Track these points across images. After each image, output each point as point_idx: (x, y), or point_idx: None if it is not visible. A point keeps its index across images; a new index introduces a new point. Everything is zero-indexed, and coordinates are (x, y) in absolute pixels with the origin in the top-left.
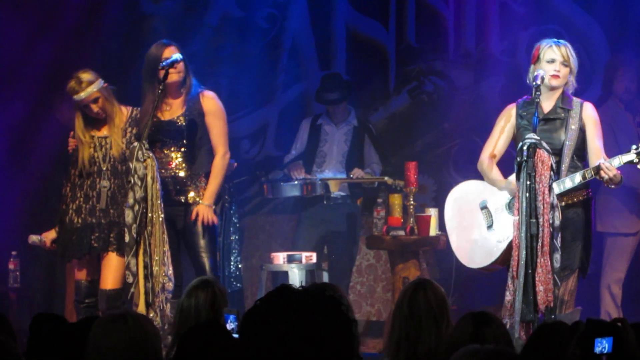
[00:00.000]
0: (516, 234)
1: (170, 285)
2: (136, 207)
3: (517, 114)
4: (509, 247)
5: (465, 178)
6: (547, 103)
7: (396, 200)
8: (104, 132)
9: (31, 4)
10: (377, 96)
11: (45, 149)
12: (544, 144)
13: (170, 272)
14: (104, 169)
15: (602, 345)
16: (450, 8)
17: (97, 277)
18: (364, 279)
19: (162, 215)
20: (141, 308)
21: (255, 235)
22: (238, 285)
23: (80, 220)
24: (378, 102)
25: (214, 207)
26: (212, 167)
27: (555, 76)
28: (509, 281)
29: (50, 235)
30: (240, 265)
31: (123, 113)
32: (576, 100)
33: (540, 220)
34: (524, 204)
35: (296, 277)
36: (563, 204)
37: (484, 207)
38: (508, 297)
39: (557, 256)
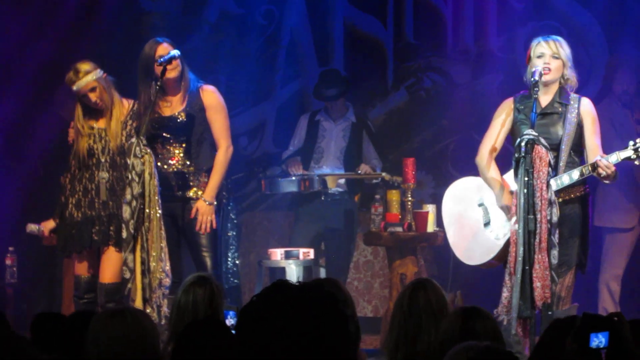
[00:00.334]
0: (514, 230)
1: (167, 281)
2: (134, 203)
3: (515, 108)
4: (507, 244)
5: (464, 174)
6: (545, 98)
7: (394, 196)
8: (103, 124)
9: (30, 0)
10: (375, 92)
11: (42, 144)
12: (542, 140)
13: (168, 267)
14: (103, 160)
15: (599, 340)
16: (448, 4)
17: (97, 272)
18: (361, 275)
19: (160, 211)
20: (138, 304)
21: (252, 231)
22: (235, 281)
23: (80, 214)
24: (376, 98)
25: (214, 204)
26: (215, 161)
27: (546, 70)
28: (506, 278)
29: (49, 225)
30: (237, 262)
31: (124, 105)
32: (574, 96)
33: (538, 216)
34: (522, 200)
35: (293, 273)
36: (560, 200)
37: (481, 204)
38: (505, 293)
39: (555, 252)
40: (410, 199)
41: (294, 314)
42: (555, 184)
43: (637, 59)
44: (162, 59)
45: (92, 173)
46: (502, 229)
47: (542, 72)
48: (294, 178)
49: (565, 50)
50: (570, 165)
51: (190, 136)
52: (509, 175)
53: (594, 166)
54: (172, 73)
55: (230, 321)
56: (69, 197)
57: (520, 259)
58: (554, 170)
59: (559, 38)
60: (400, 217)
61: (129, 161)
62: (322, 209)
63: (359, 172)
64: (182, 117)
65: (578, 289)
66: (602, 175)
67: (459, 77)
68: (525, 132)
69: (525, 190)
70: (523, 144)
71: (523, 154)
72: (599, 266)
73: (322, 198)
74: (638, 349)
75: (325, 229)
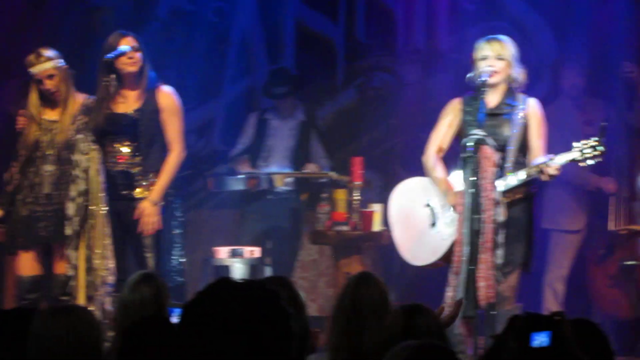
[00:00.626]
0: (459, 229)
1: (111, 279)
2: (78, 200)
3: (463, 109)
4: (453, 244)
5: (412, 174)
6: (492, 98)
7: (341, 195)
8: (54, 115)
9: None
10: (324, 91)
11: None
12: (489, 140)
13: (112, 265)
14: (48, 153)
15: (540, 339)
16: (399, 4)
17: (40, 272)
18: (307, 274)
19: (105, 209)
20: (81, 301)
21: (198, 229)
22: (180, 279)
23: (26, 211)
24: (325, 97)
25: (160, 204)
26: (165, 163)
27: (492, 72)
28: (451, 277)
29: None
30: (182, 260)
31: (77, 101)
32: (521, 96)
33: (484, 216)
34: (468, 200)
35: (238, 272)
36: (506, 200)
37: (428, 205)
38: (449, 292)
39: (500, 252)
40: (357, 198)
41: (236, 310)
42: (501, 185)
43: (585, 60)
44: (109, 54)
45: (37, 167)
46: (448, 229)
47: (490, 75)
48: (241, 176)
49: (509, 50)
50: (517, 166)
51: (141, 136)
52: (456, 175)
53: (540, 168)
54: (129, 68)
55: (175, 319)
56: (16, 192)
57: (465, 258)
58: (501, 170)
59: (503, 38)
60: (346, 216)
61: (74, 157)
62: (269, 207)
63: (305, 171)
64: (135, 116)
65: (522, 289)
66: (545, 178)
67: (408, 77)
68: (472, 132)
69: (472, 190)
70: (470, 143)
71: (470, 154)
72: (544, 267)
73: (269, 197)
74: (580, 348)
75: (271, 228)
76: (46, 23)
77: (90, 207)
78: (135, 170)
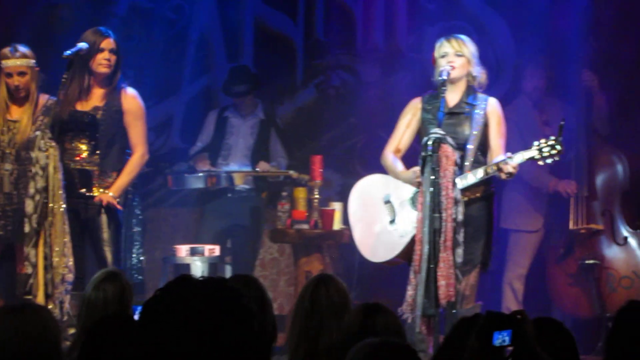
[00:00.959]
0: (419, 228)
1: (70, 277)
2: (37, 197)
3: (423, 107)
4: (412, 241)
5: (371, 172)
6: (452, 97)
7: (301, 194)
8: (16, 115)
9: None
10: (284, 89)
11: None
12: (449, 139)
13: (71, 263)
14: (7, 152)
15: (502, 338)
16: (358, 3)
17: None
18: (267, 273)
19: (64, 206)
20: (40, 299)
21: (158, 227)
22: (139, 277)
23: None
24: (285, 95)
25: (117, 199)
26: (128, 163)
27: (451, 67)
28: (411, 275)
29: None
30: (142, 258)
31: (39, 102)
32: (481, 96)
33: (444, 215)
34: (428, 199)
35: (199, 270)
36: (466, 199)
37: (387, 202)
38: (410, 291)
39: (460, 251)
40: (317, 196)
41: (197, 307)
42: (460, 183)
43: (543, 60)
44: (67, 52)
45: None
46: (406, 227)
47: (449, 71)
48: (200, 174)
49: (469, 48)
50: (476, 165)
51: (101, 136)
52: (415, 168)
53: (498, 166)
54: (102, 68)
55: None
56: None
57: (425, 257)
58: (460, 169)
59: (462, 36)
60: (306, 214)
61: (32, 154)
62: (229, 205)
63: (257, 169)
64: (97, 115)
65: (482, 287)
66: (504, 176)
67: (368, 76)
68: (432, 131)
69: (432, 189)
70: (430, 142)
71: (430, 153)
72: (504, 266)
73: (229, 195)
74: (544, 347)
75: (231, 226)
76: (2, 19)
77: (49, 205)
78: (94, 168)
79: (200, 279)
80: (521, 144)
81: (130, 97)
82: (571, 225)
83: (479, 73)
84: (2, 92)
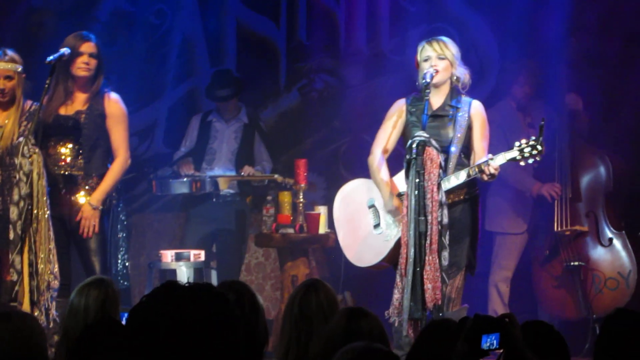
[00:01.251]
0: (404, 232)
1: (55, 284)
2: (21, 204)
3: (407, 109)
4: (396, 245)
5: (355, 176)
6: (436, 99)
7: (286, 198)
8: (0, 120)
9: None
10: (267, 93)
11: None
12: (433, 142)
13: (56, 269)
14: None
15: (490, 341)
16: (341, 6)
17: None
18: (252, 277)
19: (48, 212)
20: (26, 306)
21: (143, 233)
22: (125, 283)
23: None
24: (269, 99)
25: (100, 208)
26: (110, 168)
27: (435, 72)
28: (398, 279)
29: None
30: (127, 264)
31: (24, 108)
32: (465, 98)
33: (429, 218)
34: (413, 202)
35: (184, 275)
36: (450, 201)
37: (371, 206)
38: (396, 295)
39: (445, 254)
40: (301, 200)
41: (183, 314)
42: (443, 186)
43: (526, 62)
44: (50, 57)
45: None
46: (391, 231)
47: (433, 74)
48: (185, 179)
49: (451, 50)
50: (459, 168)
51: (85, 140)
52: (400, 177)
53: (480, 167)
54: (82, 72)
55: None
56: None
57: (411, 260)
58: (444, 172)
59: (444, 38)
60: (291, 218)
61: (16, 161)
62: (214, 210)
63: (242, 174)
64: (80, 119)
65: (468, 290)
66: (486, 177)
67: (351, 79)
68: (416, 134)
69: (416, 192)
70: (414, 145)
71: (414, 156)
72: (489, 268)
73: (214, 199)
74: (532, 350)
75: (216, 231)
76: None
77: (33, 211)
78: (78, 173)
79: (187, 285)
80: (506, 146)
81: (113, 102)
82: (556, 227)
83: (462, 74)
84: None
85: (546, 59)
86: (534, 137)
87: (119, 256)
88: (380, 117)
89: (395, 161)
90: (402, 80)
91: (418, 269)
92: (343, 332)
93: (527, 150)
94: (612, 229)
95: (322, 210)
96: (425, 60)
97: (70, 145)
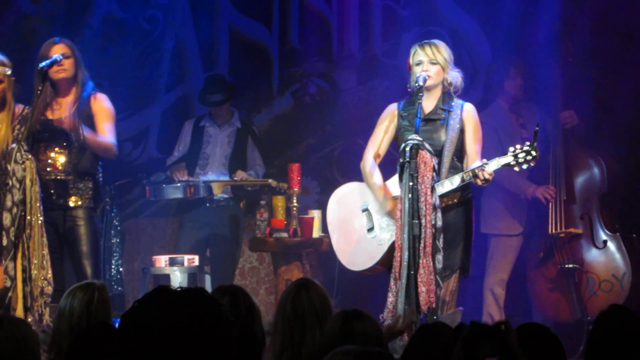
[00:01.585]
0: (398, 235)
1: (49, 289)
2: (14, 210)
3: (399, 114)
4: (390, 249)
5: (349, 179)
6: (428, 103)
7: (279, 202)
8: None
9: None
10: (260, 98)
11: None
12: (426, 145)
13: (50, 275)
14: None
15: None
16: (333, 10)
17: None
18: (246, 282)
19: (42, 218)
20: (19, 312)
21: (137, 238)
22: (119, 288)
23: None
24: (261, 103)
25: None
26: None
27: (427, 76)
28: (392, 282)
29: None
30: (121, 269)
31: (15, 112)
32: (457, 102)
33: (423, 221)
34: (407, 205)
35: (178, 280)
36: (443, 205)
37: (365, 210)
38: (390, 298)
39: (439, 257)
40: (295, 204)
41: (174, 318)
42: (437, 190)
43: (518, 64)
44: (42, 63)
45: None
46: (385, 234)
47: (425, 77)
48: (178, 184)
49: (443, 54)
50: (452, 171)
51: (73, 143)
52: (393, 181)
53: (474, 172)
54: (60, 74)
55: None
56: None
57: (405, 263)
58: (437, 175)
59: (437, 42)
60: (285, 222)
61: (9, 167)
62: (207, 215)
63: (235, 178)
64: (68, 123)
65: (463, 293)
66: (480, 182)
67: (344, 83)
68: (409, 137)
69: (410, 195)
70: (408, 149)
71: (408, 159)
72: (484, 271)
73: (207, 204)
74: (528, 353)
75: (210, 235)
76: None
77: (26, 217)
78: (69, 178)
79: (179, 289)
80: (499, 148)
81: (99, 100)
82: (550, 230)
83: (455, 78)
84: None
85: (538, 60)
86: (528, 143)
87: (113, 261)
88: (373, 120)
89: (388, 165)
90: (395, 83)
91: (412, 272)
92: (339, 334)
93: (521, 155)
94: (606, 231)
95: (315, 214)
96: (418, 64)
97: (59, 150)
